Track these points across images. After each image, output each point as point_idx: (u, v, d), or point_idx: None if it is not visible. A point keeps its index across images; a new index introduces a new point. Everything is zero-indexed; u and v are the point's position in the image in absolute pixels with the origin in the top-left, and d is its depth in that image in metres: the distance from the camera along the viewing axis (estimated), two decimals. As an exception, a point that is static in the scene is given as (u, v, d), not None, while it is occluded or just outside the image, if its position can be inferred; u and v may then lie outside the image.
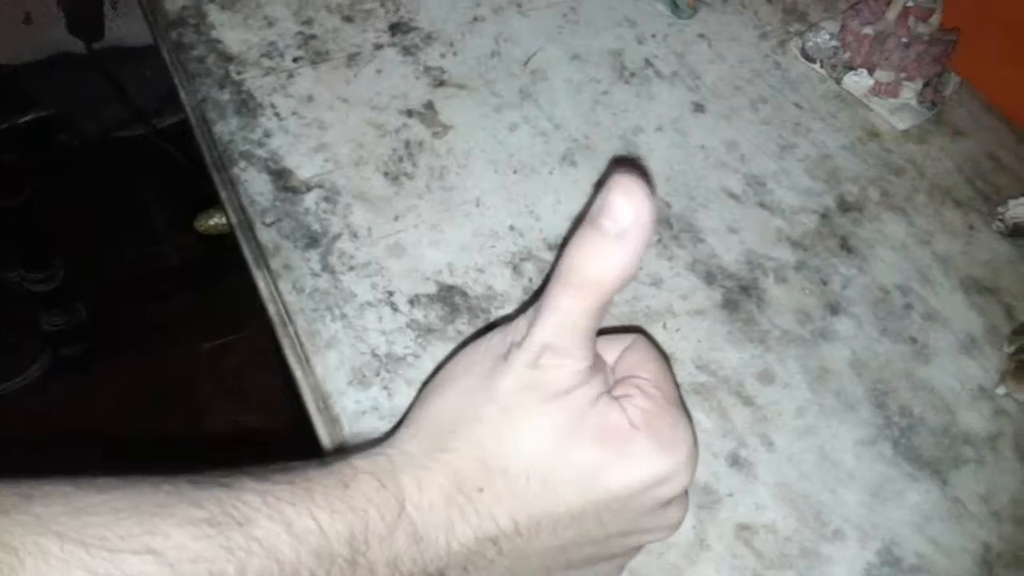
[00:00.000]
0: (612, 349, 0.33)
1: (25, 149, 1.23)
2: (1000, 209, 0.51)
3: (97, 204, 1.30)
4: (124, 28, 1.19)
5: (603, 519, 0.29)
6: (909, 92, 0.55)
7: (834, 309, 0.46)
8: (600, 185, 0.27)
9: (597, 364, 0.30)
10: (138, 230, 1.37)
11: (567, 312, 0.28)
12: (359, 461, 0.28)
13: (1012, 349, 0.45)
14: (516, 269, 0.45)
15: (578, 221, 0.28)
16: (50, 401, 1.23)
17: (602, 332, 0.34)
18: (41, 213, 1.22)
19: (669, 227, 0.48)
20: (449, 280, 0.44)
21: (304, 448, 0.41)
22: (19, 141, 1.22)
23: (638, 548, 0.33)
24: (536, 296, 0.32)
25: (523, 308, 0.37)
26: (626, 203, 0.26)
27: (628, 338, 0.33)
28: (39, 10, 1.16)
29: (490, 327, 0.35)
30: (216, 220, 0.57)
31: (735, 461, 0.40)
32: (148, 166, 1.34)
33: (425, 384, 0.33)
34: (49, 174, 1.25)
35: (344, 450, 0.30)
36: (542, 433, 0.28)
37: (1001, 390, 0.44)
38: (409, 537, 0.27)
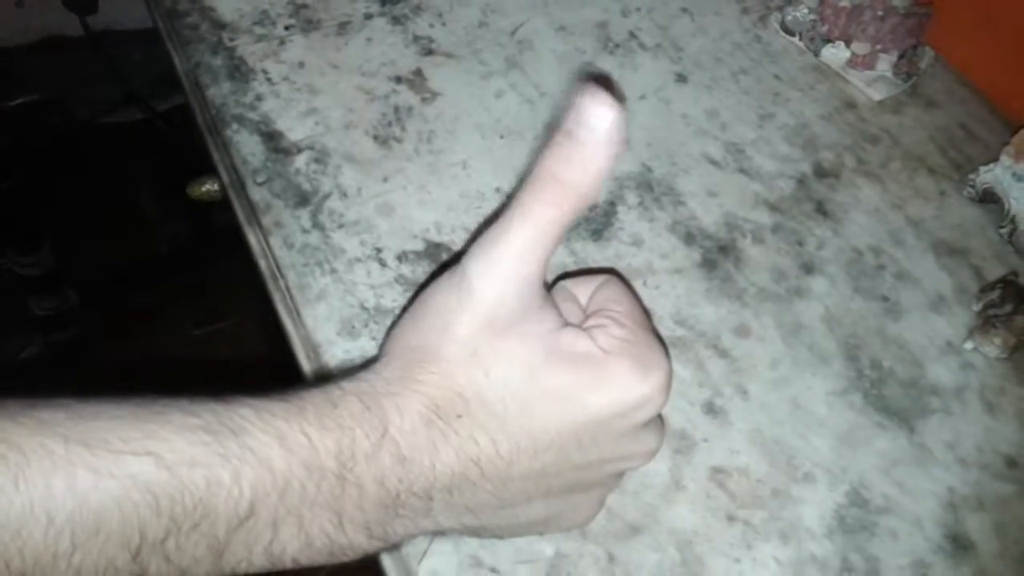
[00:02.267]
0: (584, 289, 0.34)
1: (15, 132, 1.23)
2: (971, 176, 0.52)
3: (88, 189, 1.31)
4: (115, 11, 1.19)
5: (582, 442, 0.30)
6: (885, 64, 0.57)
7: (809, 268, 0.48)
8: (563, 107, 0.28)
9: (559, 291, 0.31)
10: (129, 215, 1.37)
11: (540, 220, 0.28)
12: (346, 384, 0.29)
13: (979, 306, 0.47)
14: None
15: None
16: (39, 386, 1.23)
17: (575, 274, 0.36)
18: (31, 197, 1.23)
19: (651, 190, 0.50)
20: (436, 238, 0.46)
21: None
22: (9, 124, 1.23)
23: (616, 478, 0.34)
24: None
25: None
26: (600, 112, 0.27)
27: (600, 278, 0.34)
28: (31, -7, 1.16)
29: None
30: (208, 187, 0.58)
31: (710, 409, 0.42)
32: (139, 151, 1.35)
33: (395, 321, 0.33)
34: (39, 158, 1.26)
35: (332, 376, 0.30)
36: (511, 365, 0.29)
37: (968, 345, 0.46)
38: (394, 457, 0.28)
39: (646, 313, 0.33)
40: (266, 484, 0.26)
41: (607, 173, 0.28)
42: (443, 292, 0.30)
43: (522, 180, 0.29)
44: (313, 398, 0.28)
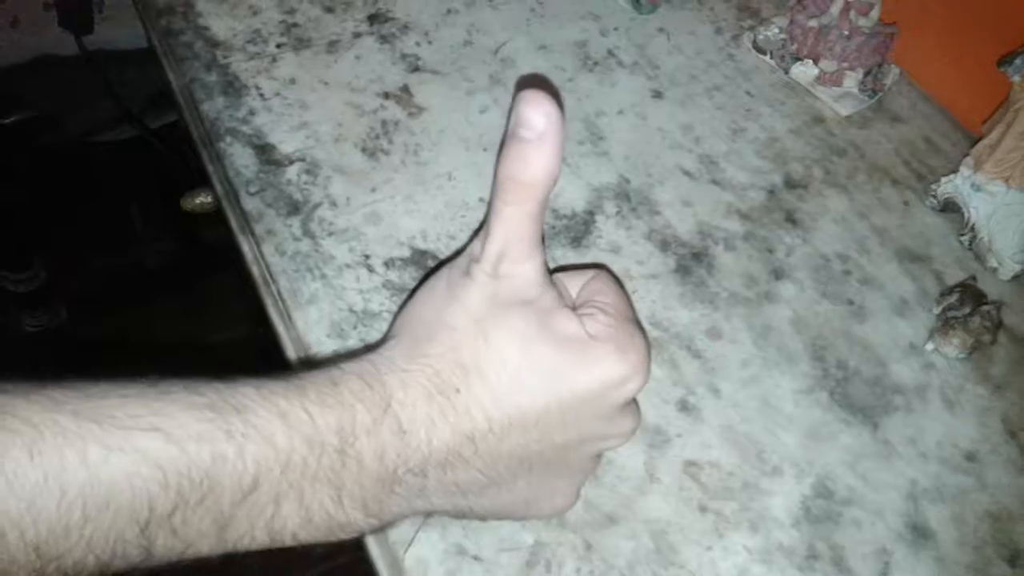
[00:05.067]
0: (575, 281, 0.36)
1: (8, 150, 1.25)
2: (933, 187, 0.55)
3: (79, 206, 1.32)
4: (107, 32, 1.22)
5: (566, 420, 0.32)
6: (851, 81, 0.59)
7: (778, 274, 0.50)
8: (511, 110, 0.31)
9: (554, 282, 0.33)
10: (119, 232, 1.38)
11: (511, 218, 0.31)
12: (346, 364, 0.31)
13: (940, 309, 0.49)
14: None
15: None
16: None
17: (567, 268, 0.38)
18: (23, 213, 1.24)
19: (628, 200, 0.52)
20: (422, 245, 0.48)
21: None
22: (2, 142, 1.24)
23: (593, 462, 0.36)
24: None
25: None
26: (535, 112, 0.29)
27: (590, 272, 0.36)
28: (26, 13, 1.18)
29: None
30: (201, 199, 0.60)
31: (684, 406, 0.44)
32: (130, 169, 1.36)
33: (401, 308, 0.35)
34: (32, 175, 1.27)
35: (326, 363, 0.32)
36: (510, 336, 0.31)
37: (930, 346, 0.48)
38: (394, 432, 0.29)
39: (631, 305, 0.35)
40: (269, 459, 0.27)
41: (555, 163, 0.30)
42: (452, 274, 0.33)
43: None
44: (313, 378, 0.29)
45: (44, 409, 0.25)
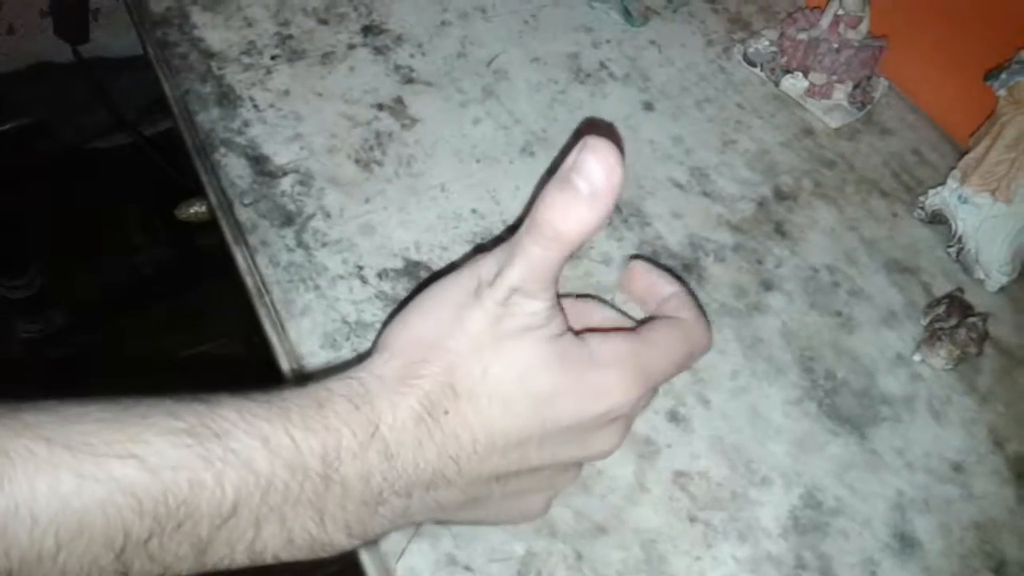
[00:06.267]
0: (662, 288, 0.38)
1: (4, 157, 1.25)
2: (921, 199, 0.56)
3: (75, 213, 1.32)
4: (104, 40, 1.22)
5: (544, 443, 0.32)
6: (841, 93, 0.60)
7: (767, 285, 0.51)
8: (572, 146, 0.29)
9: (558, 304, 0.34)
10: (114, 239, 1.38)
11: (536, 260, 0.30)
12: (333, 384, 0.30)
13: (927, 321, 0.49)
14: (477, 248, 0.49)
15: (552, 173, 0.30)
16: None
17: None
18: (19, 220, 1.24)
19: (619, 212, 0.52)
20: (415, 256, 0.48)
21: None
22: (-2, 149, 1.25)
23: (566, 476, 0.36)
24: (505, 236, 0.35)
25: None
26: (598, 166, 0.28)
27: (668, 290, 0.39)
28: (21, 21, 1.19)
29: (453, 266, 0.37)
30: (196, 209, 0.61)
31: (673, 417, 0.44)
32: (126, 176, 1.37)
33: (394, 314, 0.35)
34: (27, 182, 1.27)
35: (317, 376, 0.32)
36: (508, 365, 0.31)
37: (917, 357, 0.49)
38: (381, 454, 0.29)
39: (705, 328, 0.37)
40: (249, 485, 0.27)
41: (602, 223, 0.29)
42: (456, 290, 0.32)
43: (528, 206, 0.31)
44: (297, 399, 0.29)
45: (15, 435, 0.24)
